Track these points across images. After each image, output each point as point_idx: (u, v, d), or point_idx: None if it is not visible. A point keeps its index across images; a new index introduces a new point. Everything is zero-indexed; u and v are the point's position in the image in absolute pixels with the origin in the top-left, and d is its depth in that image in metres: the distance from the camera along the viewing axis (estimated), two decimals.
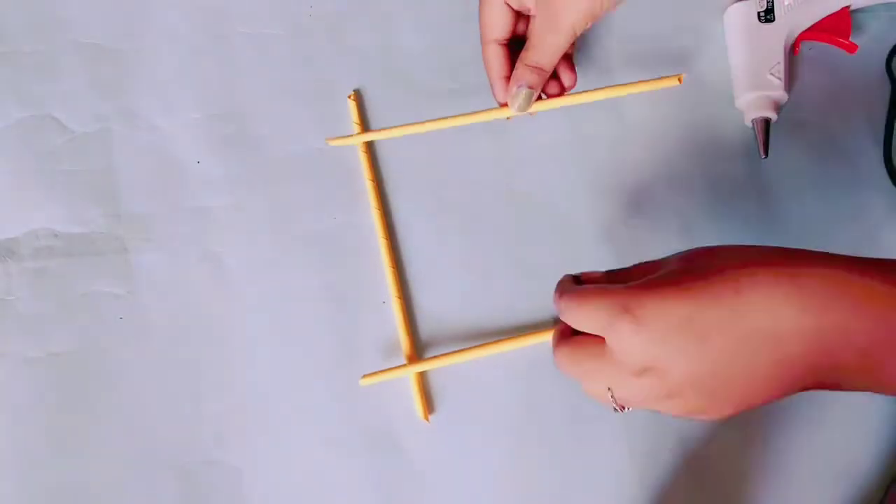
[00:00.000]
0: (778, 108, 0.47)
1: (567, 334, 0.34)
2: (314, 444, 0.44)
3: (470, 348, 0.45)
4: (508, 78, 0.43)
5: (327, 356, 0.46)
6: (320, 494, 0.44)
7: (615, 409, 0.33)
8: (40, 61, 0.50)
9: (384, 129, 0.48)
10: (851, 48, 0.47)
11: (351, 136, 0.48)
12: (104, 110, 0.49)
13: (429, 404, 0.45)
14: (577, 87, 0.45)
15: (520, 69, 0.42)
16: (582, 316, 0.32)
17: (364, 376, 0.44)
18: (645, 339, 0.30)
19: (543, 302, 0.46)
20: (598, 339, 0.32)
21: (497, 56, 0.43)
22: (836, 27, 0.47)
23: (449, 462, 0.44)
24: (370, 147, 0.49)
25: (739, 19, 0.48)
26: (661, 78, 0.44)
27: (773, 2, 0.47)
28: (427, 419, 0.44)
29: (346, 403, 0.45)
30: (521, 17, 0.43)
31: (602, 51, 0.50)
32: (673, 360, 0.30)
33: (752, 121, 0.47)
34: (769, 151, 0.47)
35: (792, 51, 0.48)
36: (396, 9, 0.51)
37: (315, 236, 0.47)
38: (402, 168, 0.48)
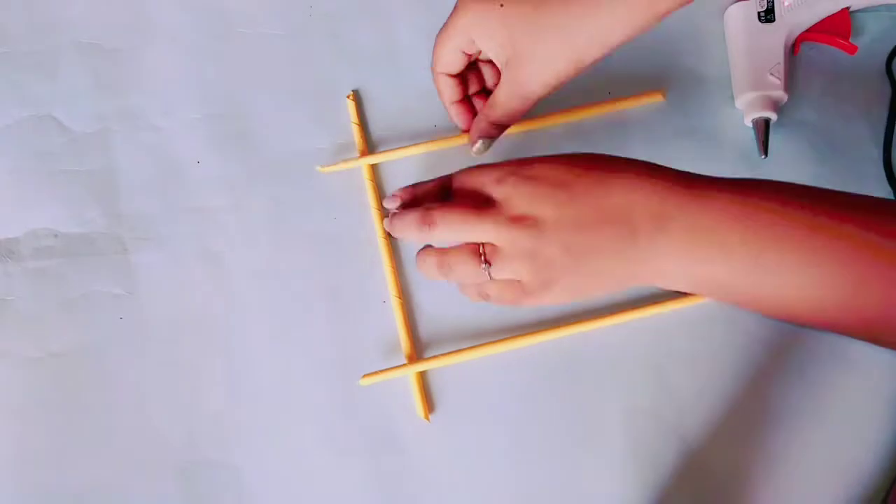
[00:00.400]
0: (778, 108, 0.47)
1: (428, 198, 0.40)
2: (314, 443, 0.44)
3: (470, 348, 0.45)
4: (459, 102, 0.45)
5: (327, 356, 0.46)
6: (320, 494, 0.44)
7: (484, 264, 0.37)
8: (40, 61, 0.50)
9: (382, 151, 0.48)
10: (851, 49, 0.47)
11: (341, 162, 0.48)
12: (104, 110, 0.49)
13: (429, 404, 0.45)
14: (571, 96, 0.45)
15: (482, 123, 0.44)
16: (475, 174, 0.38)
17: (364, 376, 0.44)
18: (529, 190, 0.36)
19: None
20: (472, 204, 0.37)
21: (448, 86, 0.45)
22: (836, 28, 0.47)
23: (449, 461, 0.44)
24: (375, 173, 0.49)
25: (740, 19, 0.48)
26: (643, 94, 0.47)
27: (773, 2, 0.47)
28: (427, 419, 0.44)
29: (346, 403, 0.45)
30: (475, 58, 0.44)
31: None
32: (548, 210, 0.36)
33: (752, 121, 0.47)
34: (769, 151, 0.47)
35: (792, 51, 0.48)
36: (396, 9, 0.51)
37: (315, 236, 0.47)
38: (402, 168, 0.48)
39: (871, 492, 0.43)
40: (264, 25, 0.51)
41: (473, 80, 0.46)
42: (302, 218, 0.48)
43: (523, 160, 0.38)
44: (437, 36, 0.43)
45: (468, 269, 0.38)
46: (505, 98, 0.42)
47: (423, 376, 0.45)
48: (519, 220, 0.36)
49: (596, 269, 0.36)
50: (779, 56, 0.46)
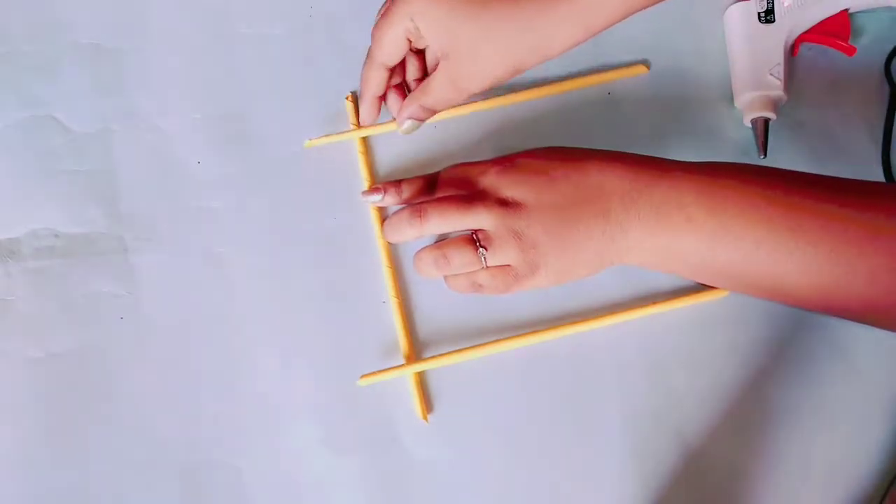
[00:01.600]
0: (777, 108, 0.47)
1: (421, 193, 0.44)
2: (314, 443, 0.44)
3: (469, 348, 0.45)
4: (381, 98, 0.46)
5: (327, 356, 0.46)
6: (320, 494, 0.44)
7: (479, 248, 0.41)
8: (40, 61, 0.50)
9: (374, 125, 0.48)
10: (850, 51, 0.47)
11: (330, 135, 0.48)
12: (104, 110, 0.49)
13: (428, 404, 0.45)
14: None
15: (412, 106, 0.44)
16: (458, 171, 0.42)
17: (362, 376, 0.44)
18: (512, 177, 0.40)
19: (543, 301, 0.46)
20: (463, 194, 0.41)
21: (378, 79, 0.45)
22: (835, 30, 0.47)
23: (448, 461, 0.44)
24: (367, 146, 0.49)
25: (739, 20, 0.48)
26: (626, 66, 0.48)
27: (773, 2, 0.47)
28: (426, 420, 0.44)
29: (346, 403, 0.45)
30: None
31: (599, 48, 0.50)
32: (530, 195, 0.39)
33: (752, 121, 0.47)
34: (768, 151, 0.47)
35: (791, 51, 0.48)
36: None
37: (315, 236, 0.47)
38: (401, 167, 0.48)
39: (870, 492, 0.44)
40: (264, 25, 0.51)
41: (398, 71, 0.46)
42: (302, 218, 0.48)
43: (506, 156, 0.42)
44: (380, 21, 0.43)
45: (465, 258, 0.41)
46: (439, 88, 0.43)
47: (422, 376, 0.45)
48: (505, 204, 0.40)
49: (575, 248, 0.40)
50: (778, 56, 0.46)
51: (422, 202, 0.42)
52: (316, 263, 0.47)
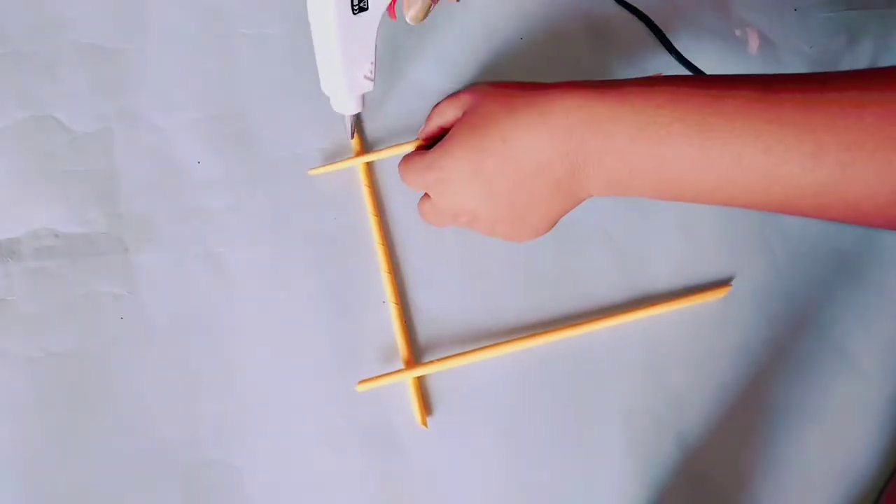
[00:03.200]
0: (364, 99, 0.45)
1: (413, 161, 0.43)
2: (314, 444, 0.45)
3: (468, 352, 0.45)
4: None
5: (327, 356, 0.46)
6: (320, 494, 0.44)
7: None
8: (40, 61, 0.50)
9: (375, 151, 0.48)
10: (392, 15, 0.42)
11: (334, 163, 0.48)
12: (105, 110, 0.49)
13: (428, 406, 0.45)
14: None
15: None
16: (408, 178, 0.42)
17: (361, 382, 0.44)
18: (449, 192, 0.39)
19: (542, 304, 0.46)
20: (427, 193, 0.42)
21: None
22: None
23: (448, 463, 0.44)
24: (366, 150, 0.49)
25: (333, 11, 0.39)
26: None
27: None
28: (425, 425, 0.44)
29: (345, 403, 0.45)
30: None
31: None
32: (474, 204, 0.39)
33: (343, 116, 0.45)
34: None
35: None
36: None
37: (315, 237, 0.47)
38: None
39: (868, 491, 0.44)
40: (264, 25, 0.51)
41: None
42: (302, 218, 0.48)
43: (433, 154, 0.40)
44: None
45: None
46: None
47: (421, 379, 0.45)
48: (458, 216, 0.41)
49: (541, 215, 0.39)
50: (371, 54, 0.41)
51: (400, 163, 0.44)
52: (316, 264, 0.47)
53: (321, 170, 0.48)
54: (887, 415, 0.44)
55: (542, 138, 0.36)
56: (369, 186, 0.48)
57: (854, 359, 0.45)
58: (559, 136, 0.35)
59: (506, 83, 0.40)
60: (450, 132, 0.40)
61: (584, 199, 0.38)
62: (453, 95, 0.42)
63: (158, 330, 0.46)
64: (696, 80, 0.35)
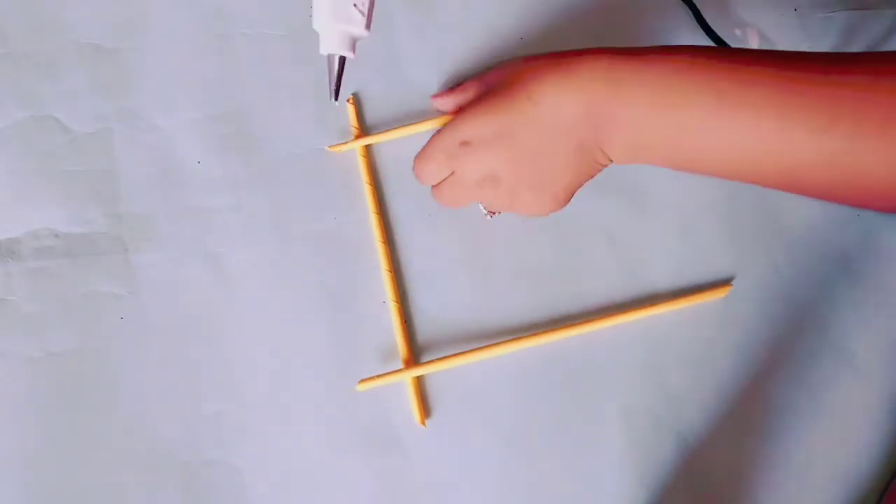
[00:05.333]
0: (355, 46, 0.39)
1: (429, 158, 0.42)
2: (314, 444, 0.45)
3: (468, 351, 0.45)
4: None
5: (327, 356, 0.46)
6: (320, 494, 0.44)
7: (487, 216, 0.45)
8: (40, 61, 0.50)
9: (382, 132, 0.48)
10: None
11: (349, 141, 0.48)
12: (104, 110, 0.49)
13: (428, 405, 0.45)
14: None
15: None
16: (432, 150, 0.41)
17: (360, 381, 0.44)
18: (473, 157, 0.39)
19: (542, 304, 0.46)
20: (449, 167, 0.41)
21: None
22: None
23: (448, 463, 0.44)
24: (368, 149, 0.49)
25: None
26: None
27: None
28: (424, 425, 0.44)
29: (345, 404, 0.45)
30: None
31: None
32: (498, 166, 0.39)
33: (328, 56, 0.39)
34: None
35: None
36: (396, 10, 0.51)
37: (315, 236, 0.47)
38: (401, 169, 0.48)
39: (868, 492, 0.44)
40: (264, 25, 0.51)
41: None
42: (302, 218, 0.48)
43: (455, 122, 0.40)
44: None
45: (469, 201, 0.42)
46: None
47: (421, 379, 0.45)
48: (482, 184, 0.40)
49: (564, 181, 0.39)
50: None
51: (418, 156, 0.43)
52: (316, 263, 0.47)
53: (337, 148, 0.48)
54: (887, 415, 0.44)
55: (567, 97, 0.36)
56: (371, 184, 0.48)
57: (854, 359, 0.45)
58: (584, 97, 0.36)
59: (528, 56, 0.40)
60: (474, 99, 0.41)
61: (603, 167, 0.39)
62: (477, 76, 0.43)
63: (158, 330, 0.46)
64: (717, 50, 0.36)
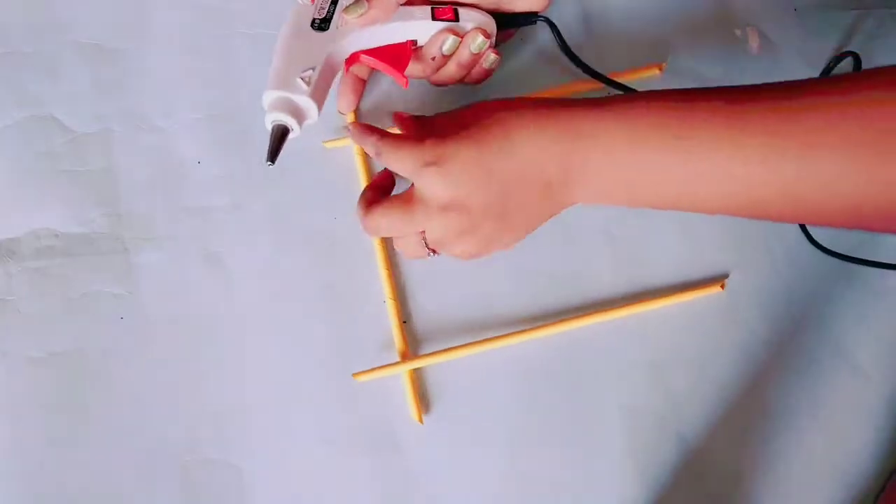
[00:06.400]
0: (302, 120, 0.41)
1: (373, 200, 0.41)
2: (314, 443, 0.45)
3: (465, 345, 0.45)
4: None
5: (327, 356, 0.46)
6: (319, 493, 0.44)
7: (429, 254, 0.41)
8: (40, 61, 0.50)
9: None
10: (403, 82, 0.43)
11: (345, 137, 0.48)
12: (105, 110, 0.49)
13: (426, 402, 0.45)
14: None
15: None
16: (397, 159, 0.39)
17: (356, 373, 0.44)
18: (446, 179, 0.37)
19: (540, 300, 0.46)
20: (404, 198, 0.39)
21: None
22: (395, 54, 0.44)
23: (446, 459, 0.44)
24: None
25: (293, 18, 0.42)
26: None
27: (332, 13, 0.42)
28: (421, 421, 0.44)
29: (345, 403, 0.45)
30: None
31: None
32: (469, 193, 0.38)
33: (272, 124, 0.40)
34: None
35: (344, 66, 0.44)
36: None
37: (315, 236, 0.47)
38: None
39: (868, 491, 0.44)
40: (264, 25, 0.51)
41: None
42: (302, 218, 0.48)
43: (434, 140, 0.38)
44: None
45: (421, 252, 0.41)
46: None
47: (419, 375, 0.45)
48: (447, 209, 0.38)
49: (527, 216, 0.39)
50: (317, 62, 0.41)
51: (371, 206, 0.41)
52: (316, 263, 0.47)
53: (333, 143, 0.49)
54: (887, 415, 0.44)
55: (546, 141, 0.37)
56: (367, 180, 0.48)
57: (854, 359, 0.45)
58: (556, 147, 0.37)
59: (503, 99, 0.40)
60: (446, 128, 0.39)
61: (567, 206, 0.40)
62: (446, 112, 0.41)
63: (158, 330, 0.46)
64: (672, 93, 0.37)
